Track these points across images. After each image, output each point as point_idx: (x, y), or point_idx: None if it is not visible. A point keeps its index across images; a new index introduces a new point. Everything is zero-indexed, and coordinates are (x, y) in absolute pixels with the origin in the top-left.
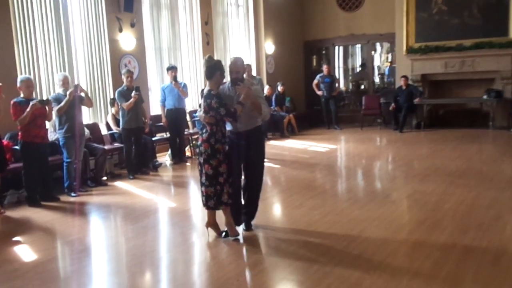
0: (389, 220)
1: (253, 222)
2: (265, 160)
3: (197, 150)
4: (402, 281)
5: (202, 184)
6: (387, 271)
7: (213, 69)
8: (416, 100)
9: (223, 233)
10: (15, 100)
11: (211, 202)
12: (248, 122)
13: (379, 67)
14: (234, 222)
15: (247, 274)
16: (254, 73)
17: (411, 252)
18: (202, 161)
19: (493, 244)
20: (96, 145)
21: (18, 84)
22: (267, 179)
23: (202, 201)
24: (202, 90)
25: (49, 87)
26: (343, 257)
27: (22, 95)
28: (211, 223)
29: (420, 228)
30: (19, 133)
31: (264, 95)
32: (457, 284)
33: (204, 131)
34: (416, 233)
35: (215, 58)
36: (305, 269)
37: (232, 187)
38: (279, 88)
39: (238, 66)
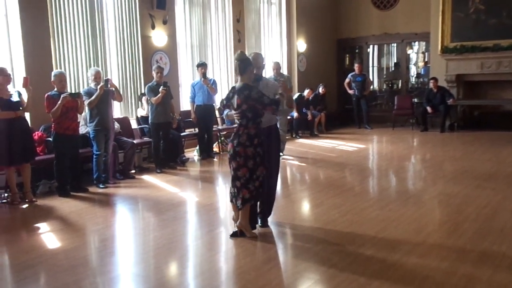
0: (408, 221)
1: (270, 219)
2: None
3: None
4: (413, 282)
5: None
6: (399, 272)
7: (246, 63)
8: (450, 101)
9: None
10: (48, 93)
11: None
12: (269, 118)
13: (416, 66)
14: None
15: (261, 268)
16: (284, 71)
17: (427, 254)
18: (235, 165)
19: None
20: (125, 138)
21: (52, 78)
22: (292, 176)
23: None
24: (234, 87)
25: (83, 81)
26: (356, 257)
27: (55, 88)
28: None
29: (439, 230)
30: (52, 125)
31: (302, 95)
32: (470, 287)
33: (240, 132)
34: (435, 235)
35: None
36: (318, 267)
37: (251, 193)
38: (320, 89)
39: (258, 62)
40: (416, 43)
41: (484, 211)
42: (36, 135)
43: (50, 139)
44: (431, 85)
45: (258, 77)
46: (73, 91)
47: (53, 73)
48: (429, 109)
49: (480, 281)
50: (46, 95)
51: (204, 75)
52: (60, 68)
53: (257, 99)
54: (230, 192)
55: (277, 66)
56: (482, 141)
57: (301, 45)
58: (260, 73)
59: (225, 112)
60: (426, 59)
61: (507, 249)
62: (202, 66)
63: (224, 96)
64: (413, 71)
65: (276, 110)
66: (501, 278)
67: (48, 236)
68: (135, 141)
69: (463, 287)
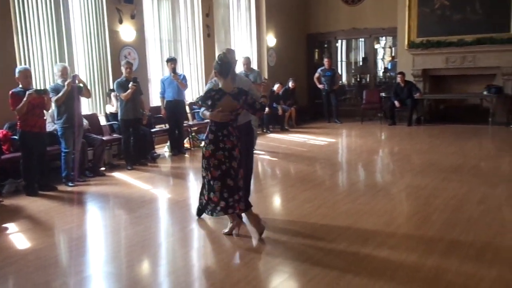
0: (379, 214)
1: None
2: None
3: (223, 153)
4: (385, 273)
5: (233, 189)
6: (372, 264)
7: (229, 66)
8: (417, 95)
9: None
10: (13, 90)
11: (242, 204)
12: (244, 116)
13: (383, 61)
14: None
15: (236, 263)
16: (254, 66)
17: (398, 245)
18: (236, 166)
19: (479, 238)
20: (94, 135)
21: (16, 75)
22: (263, 171)
23: (231, 206)
24: (220, 90)
25: (49, 78)
26: (330, 250)
27: (20, 85)
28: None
29: (409, 222)
30: (18, 123)
31: (272, 90)
32: (439, 277)
33: (225, 132)
34: (405, 226)
35: (216, 50)
36: (293, 260)
37: None
38: (290, 84)
39: (231, 58)
40: (384, 38)
41: (451, 203)
42: (1, 133)
43: (15, 137)
44: (398, 79)
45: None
46: (38, 88)
47: (17, 69)
48: (396, 103)
49: (449, 271)
50: (10, 92)
51: (174, 70)
52: (25, 64)
53: (250, 105)
54: (241, 196)
55: (247, 61)
56: (448, 134)
57: (271, 39)
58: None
59: (202, 110)
60: (393, 54)
61: (474, 238)
62: (172, 61)
63: (199, 94)
64: (380, 65)
65: (263, 115)
66: (468, 268)
67: (17, 237)
68: (104, 138)
69: (433, 277)
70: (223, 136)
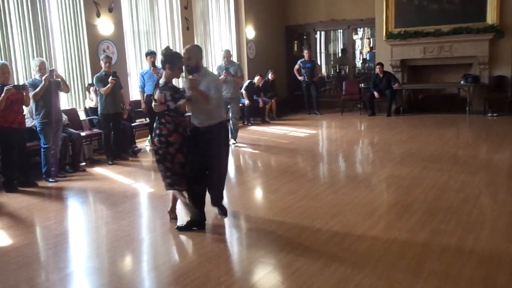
0: (361, 204)
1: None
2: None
3: (159, 139)
4: (368, 264)
5: (173, 170)
6: (355, 255)
7: (166, 60)
8: (395, 86)
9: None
10: None
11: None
12: (206, 117)
13: (361, 52)
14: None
15: (219, 258)
16: (234, 59)
17: (380, 236)
18: (173, 151)
19: (459, 227)
20: (73, 130)
21: None
22: (245, 164)
23: (176, 183)
24: (158, 82)
25: (26, 73)
26: (313, 241)
27: None
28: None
29: (391, 212)
30: None
31: (253, 83)
32: (421, 266)
33: (163, 121)
34: (387, 216)
35: (195, 43)
36: (276, 252)
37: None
38: (270, 76)
39: (189, 53)
40: (362, 29)
41: (431, 192)
42: None
43: None
44: (377, 70)
45: (196, 68)
46: (16, 83)
47: None
48: (376, 94)
49: (431, 259)
50: None
51: (153, 64)
52: (2, 59)
53: (168, 101)
54: (179, 178)
55: (227, 54)
56: (427, 123)
57: (250, 32)
58: (200, 63)
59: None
60: (371, 45)
61: (454, 227)
62: (151, 54)
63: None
64: (359, 56)
65: (176, 118)
66: (449, 256)
67: None
68: (84, 133)
69: (415, 266)
70: (160, 124)
